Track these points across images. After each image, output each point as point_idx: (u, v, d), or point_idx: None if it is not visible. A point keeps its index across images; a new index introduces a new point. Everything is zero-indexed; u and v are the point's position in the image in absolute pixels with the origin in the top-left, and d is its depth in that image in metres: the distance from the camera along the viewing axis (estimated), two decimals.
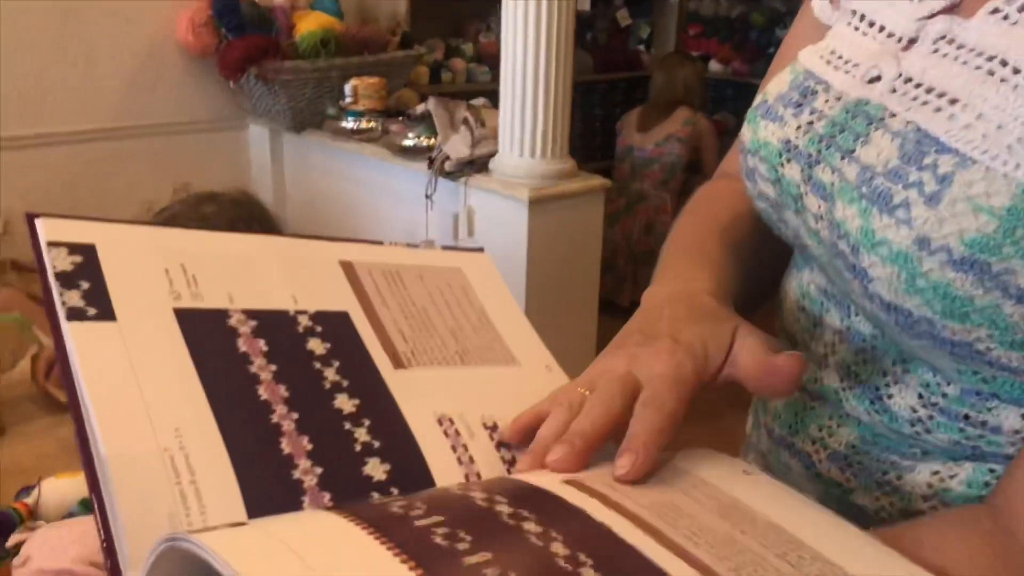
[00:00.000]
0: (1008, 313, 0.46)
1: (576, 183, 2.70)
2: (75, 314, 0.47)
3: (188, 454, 0.43)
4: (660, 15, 5.50)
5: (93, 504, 0.42)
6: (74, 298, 0.47)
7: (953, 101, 0.49)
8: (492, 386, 0.57)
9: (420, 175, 2.86)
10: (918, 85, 0.52)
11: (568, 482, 0.44)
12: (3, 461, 1.41)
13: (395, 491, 0.46)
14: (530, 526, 0.38)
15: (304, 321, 0.54)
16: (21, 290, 2.60)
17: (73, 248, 0.50)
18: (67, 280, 0.48)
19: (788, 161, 0.58)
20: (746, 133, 0.64)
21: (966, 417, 0.53)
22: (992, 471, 0.53)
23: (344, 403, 0.50)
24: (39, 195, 3.22)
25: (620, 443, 0.48)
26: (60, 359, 0.46)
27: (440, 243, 3.02)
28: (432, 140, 2.84)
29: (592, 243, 2.81)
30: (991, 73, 0.48)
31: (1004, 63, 0.48)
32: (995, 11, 0.49)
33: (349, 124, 3.12)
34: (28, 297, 2.55)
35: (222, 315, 0.51)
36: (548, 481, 0.44)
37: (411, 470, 0.48)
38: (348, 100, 3.17)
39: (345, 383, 0.51)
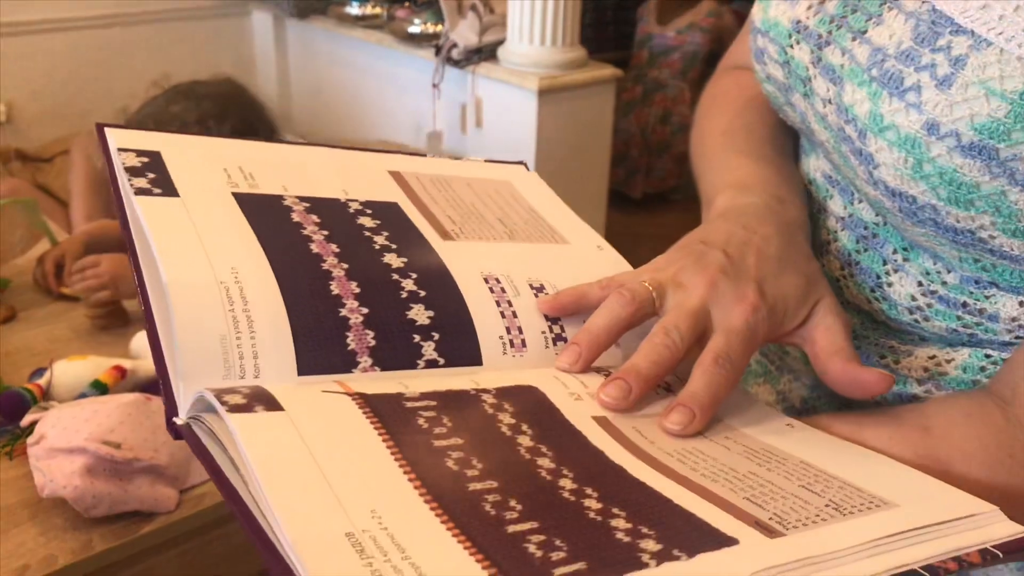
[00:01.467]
0: (1013, 200, 0.46)
1: (586, 73, 2.66)
2: (142, 192, 0.51)
3: (243, 287, 0.46)
4: None
5: (149, 339, 0.45)
6: (141, 183, 0.51)
7: None
8: (541, 257, 0.58)
9: (427, 63, 2.82)
10: None
11: (597, 419, 0.45)
12: (15, 344, 1.42)
13: (436, 336, 0.49)
14: (544, 462, 0.40)
15: (355, 206, 0.56)
16: (27, 179, 2.59)
17: (140, 153, 0.54)
18: (135, 172, 0.52)
19: (797, 42, 0.57)
20: (756, 12, 0.63)
21: (964, 305, 0.53)
22: (988, 356, 0.54)
23: (393, 260, 0.52)
24: (41, 83, 3.18)
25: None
26: (127, 239, 0.50)
27: (447, 134, 2.97)
28: (439, 26, 2.78)
29: (602, 134, 2.78)
30: None
31: None
32: None
33: (354, 10, 3.06)
34: (34, 186, 2.54)
35: (277, 198, 0.55)
36: (577, 413, 0.45)
37: (454, 318, 0.50)
38: None
39: (394, 246, 0.53)
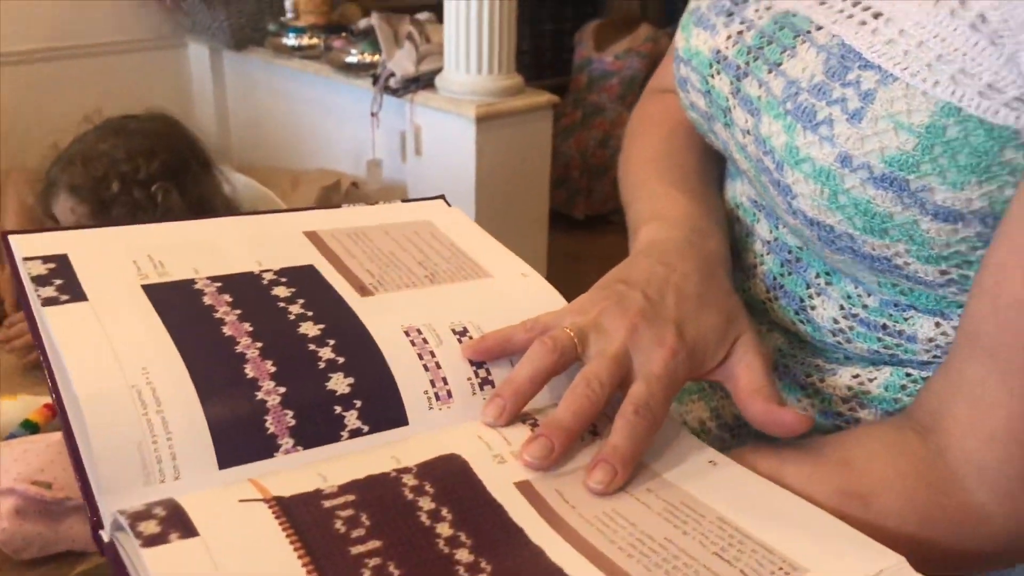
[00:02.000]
0: (925, 229, 0.47)
1: (523, 99, 2.67)
2: (50, 301, 0.50)
3: (155, 388, 0.46)
4: None
5: (67, 446, 0.45)
6: (49, 291, 0.51)
7: (877, 15, 0.49)
8: (463, 297, 0.58)
9: (365, 93, 2.81)
10: None
11: (519, 485, 0.45)
12: None
13: (359, 403, 0.48)
14: (462, 554, 0.40)
15: (269, 276, 0.56)
16: None
17: (47, 259, 0.54)
18: (42, 280, 0.52)
19: (718, 72, 0.58)
20: (679, 40, 0.64)
21: (884, 327, 0.55)
22: (909, 375, 0.55)
23: (309, 328, 0.51)
24: None
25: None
26: (39, 348, 0.50)
27: (387, 162, 2.95)
28: (376, 56, 2.79)
29: (541, 159, 2.79)
30: None
31: None
32: None
33: (291, 41, 3.04)
34: None
35: (188, 283, 0.54)
36: (499, 482, 0.45)
37: (375, 381, 0.49)
38: (289, 16, 3.09)
39: (310, 313, 0.53)
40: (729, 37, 0.58)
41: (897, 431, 0.50)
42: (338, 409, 0.48)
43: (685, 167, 0.68)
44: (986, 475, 0.45)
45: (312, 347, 0.50)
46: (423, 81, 2.67)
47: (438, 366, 0.51)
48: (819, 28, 0.51)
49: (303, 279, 0.56)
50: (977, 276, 0.47)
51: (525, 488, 0.45)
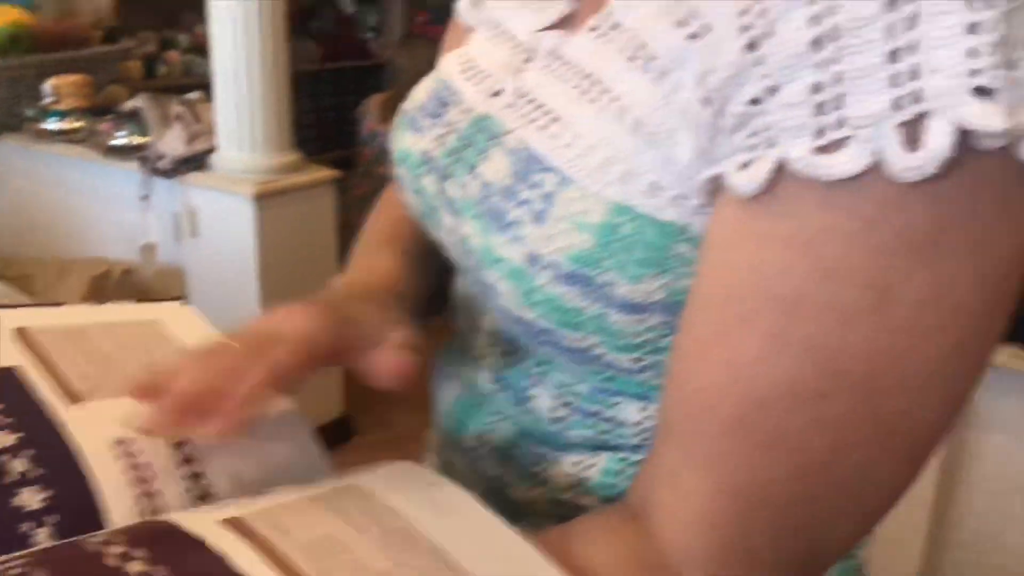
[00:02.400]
0: (613, 321, 0.49)
1: (303, 176, 2.65)
2: None
3: None
4: (388, 2, 5.48)
5: None
6: None
7: (556, 119, 0.51)
8: None
9: (135, 176, 2.72)
10: (531, 101, 0.53)
11: (227, 522, 0.43)
12: None
13: (57, 517, 0.45)
14: None
15: None
16: None
17: None
18: None
19: (427, 173, 0.59)
20: (394, 141, 0.65)
21: (596, 413, 0.56)
22: (623, 459, 0.57)
23: (3, 439, 0.48)
24: None
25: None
26: None
27: (163, 245, 2.84)
28: (145, 138, 2.70)
29: (325, 235, 2.77)
30: (585, 92, 0.50)
31: (597, 82, 0.50)
32: (593, 28, 0.51)
33: (52, 125, 2.91)
34: None
35: None
36: (202, 521, 0.43)
37: (75, 495, 0.46)
38: (49, 100, 2.95)
39: (8, 421, 0.49)
40: (436, 139, 0.59)
41: (615, 519, 0.51)
42: (25, 526, 0.44)
43: (403, 236, 0.72)
44: (689, 558, 0.47)
45: (2, 459, 0.47)
46: (196, 161, 2.61)
47: (149, 479, 0.49)
48: (508, 131, 0.53)
49: (3, 383, 0.53)
50: (667, 365, 0.49)
51: (234, 524, 0.43)
